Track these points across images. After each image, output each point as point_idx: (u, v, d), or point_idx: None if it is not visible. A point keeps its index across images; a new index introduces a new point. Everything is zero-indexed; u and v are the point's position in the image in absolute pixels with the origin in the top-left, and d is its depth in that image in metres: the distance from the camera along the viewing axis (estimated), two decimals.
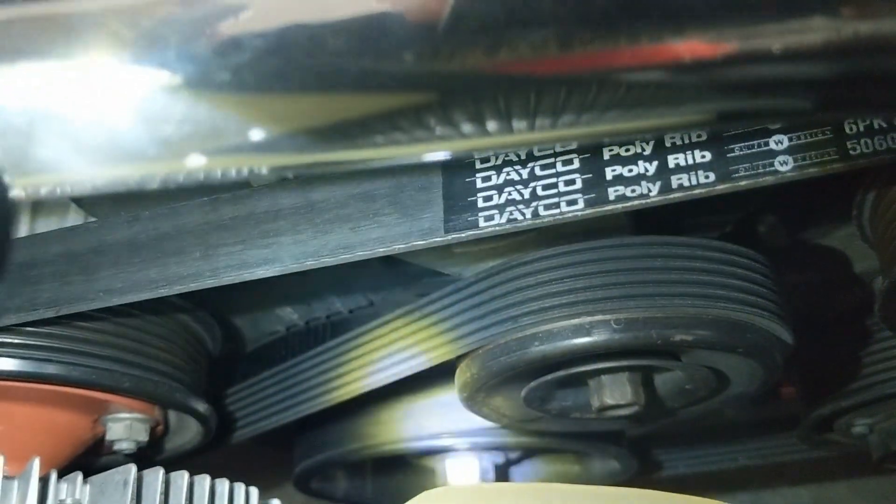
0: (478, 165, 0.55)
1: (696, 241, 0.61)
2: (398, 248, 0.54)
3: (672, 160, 0.52)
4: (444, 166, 0.55)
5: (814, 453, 0.92)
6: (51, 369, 0.62)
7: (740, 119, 0.46)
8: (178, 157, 0.37)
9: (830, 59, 0.35)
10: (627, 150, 0.53)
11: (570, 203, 0.53)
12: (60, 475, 0.56)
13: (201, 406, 0.72)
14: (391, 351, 0.68)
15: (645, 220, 0.63)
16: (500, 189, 0.54)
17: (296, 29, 0.34)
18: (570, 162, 0.53)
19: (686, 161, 0.52)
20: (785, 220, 0.73)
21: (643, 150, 0.52)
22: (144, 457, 0.73)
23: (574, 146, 0.53)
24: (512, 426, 0.76)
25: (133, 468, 0.55)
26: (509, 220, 0.53)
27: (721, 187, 0.51)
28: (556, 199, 0.53)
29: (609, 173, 0.53)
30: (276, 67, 0.34)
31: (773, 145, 0.51)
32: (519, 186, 0.54)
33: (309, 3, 0.34)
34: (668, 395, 0.70)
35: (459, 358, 0.66)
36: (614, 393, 0.64)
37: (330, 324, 0.83)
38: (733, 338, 0.60)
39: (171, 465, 0.58)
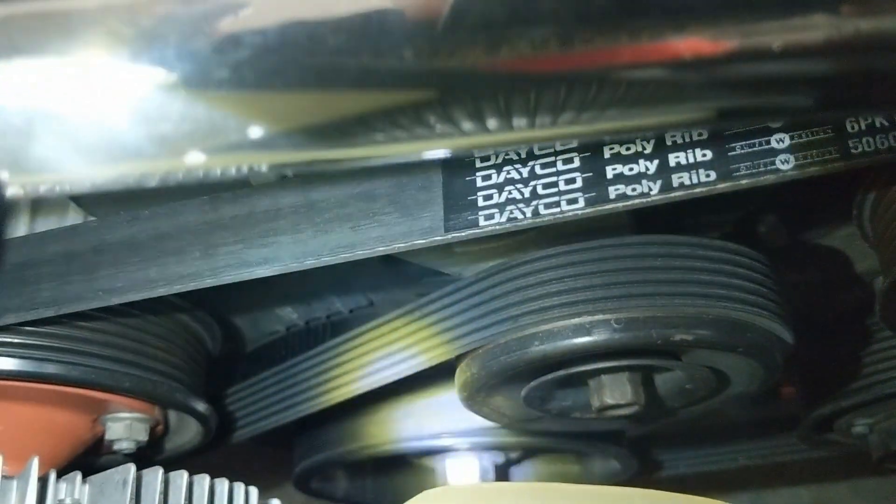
0: (478, 164, 0.55)
1: (697, 241, 0.61)
2: (398, 247, 0.54)
3: (673, 159, 0.52)
4: (444, 165, 0.55)
5: (814, 453, 0.92)
6: (50, 369, 0.62)
7: (741, 117, 0.46)
8: (177, 155, 0.37)
9: (831, 56, 0.35)
10: (628, 149, 0.53)
11: (571, 202, 0.53)
12: (60, 475, 0.56)
13: (201, 406, 0.71)
14: (390, 351, 0.68)
15: (645, 220, 0.63)
16: (500, 188, 0.54)
17: (295, 26, 0.34)
18: (571, 160, 0.53)
19: (687, 159, 0.52)
20: (785, 220, 0.73)
21: (644, 148, 0.52)
22: (144, 456, 0.73)
23: (574, 144, 0.53)
24: (512, 426, 0.76)
25: (132, 468, 0.55)
26: (509, 219, 0.53)
27: (722, 186, 0.51)
28: (556, 198, 0.53)
29: (610, 172, 0.53)
30: (276, 65, 0.34)
31: (774, 144, 0.51)
32: (519, 185, 0.54)
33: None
34: (668, 395, 0.70)
35: (459, 357, 0.66)
36: (614, 393, 0.64)
37: (330, 324, 0.83)
38: (733, 337, 0.60)
39: (170, 465, 0.58)
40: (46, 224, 0.68)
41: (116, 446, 0.69)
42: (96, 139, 0.37)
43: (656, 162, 0.52)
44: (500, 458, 0.88)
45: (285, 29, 0.34)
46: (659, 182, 0.52)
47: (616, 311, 0.59)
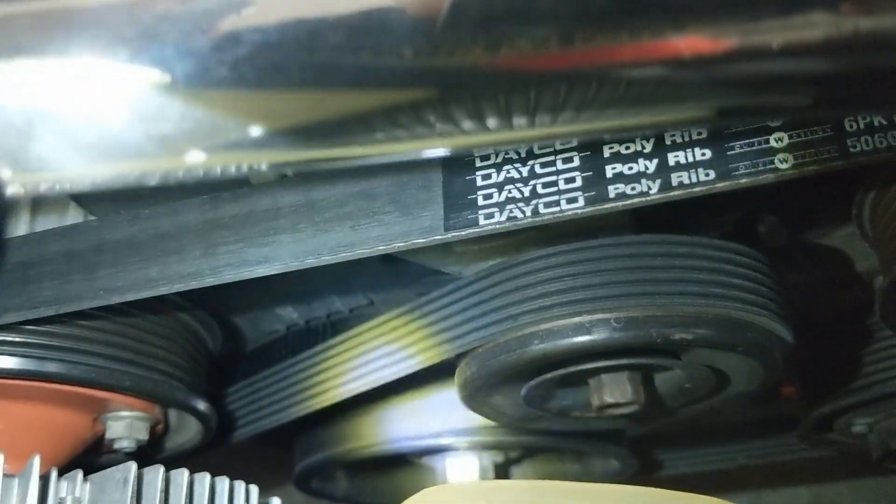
0: (478, 163, 0.55)
1: (696, 240, 0.61)
2: (398, 246, 0.54)
3: (672, 158, 0.52)
4: (444, 164, 0.55)
5: (814, 453, 0.92)
6: (51, 367, 0.62)
7: (740, 115, 0.46)
8: (177, 153, 0.37)
9: (831, 55, 0.35)
10: (628, 148, 0.53)
11: (571, 201, 0.53)
12: (61, 473, 0.56)
13: (201, 405, 0.72)
14: (390, 350, 0.68)
15: (645, 219, 0.63)
16: (500, 187, 0.54)
17: (295, 24, 0.34)
18: (571, 160, 0.54)
19: (686, 159, 0.52)
20: (785, 220, 0.73)
21: (643, 147, 0.52)
22: (145, 455, 0.73)
23: (574, 143, 0.53)
24: (512, 425, 0.76)
25: (133, 466, 0.55)
26: (509, 218, 0.53)
27: (721, 185, 0.51)
28: (556, 197, 0.53)
29: (609, 171, 0.53)
30: (276, 63, 0.34)
31: (773, 143, 0.51)
32: (519, 184, 0.54)
33: None
34: (668, 394, 0.70)
35: (460, 356, 0.66)
36: (614, 392, 0.64)
37: (330, 323, 0.83)
38: (733, 336, 0.60)
39: (171, 464, 0.58)
40: (47, 223, 0.68)
41: (117, 445, 0.70)
42: (96, 138, 0.37)
43: (656, 161, 0.52)
44: (499, 457, 0.88)
45: (285, 27, 0.34)
46: (658, 181, 0.52)
47: (616, 310, 0.59)
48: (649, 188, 0.52)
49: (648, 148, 0.52)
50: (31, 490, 0.53)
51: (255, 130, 0.36)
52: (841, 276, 0.75)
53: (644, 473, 0.95)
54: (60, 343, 0.63)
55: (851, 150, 0.49)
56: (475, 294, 0.63)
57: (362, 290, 0.80)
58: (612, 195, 0.52)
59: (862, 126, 0.50)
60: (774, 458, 0.97)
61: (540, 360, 0.61)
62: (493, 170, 0.55)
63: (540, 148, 0.54)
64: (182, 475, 0.57)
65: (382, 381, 0.68)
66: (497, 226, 0.54)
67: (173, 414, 0.74)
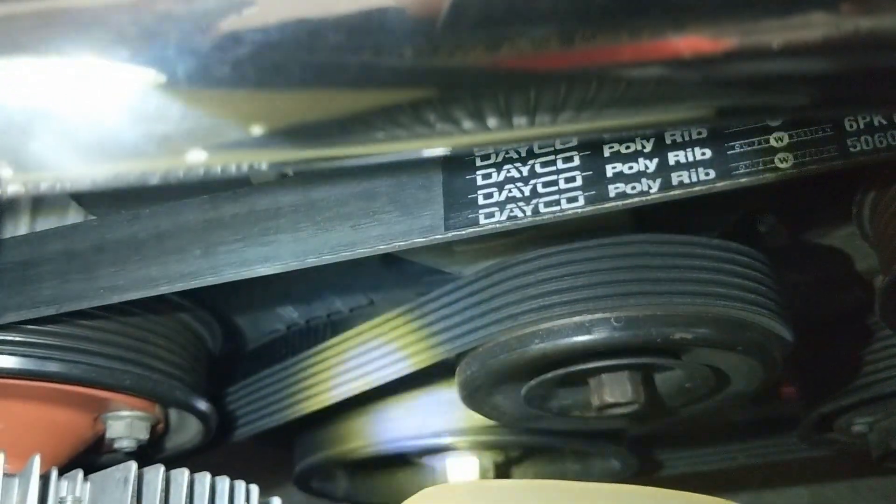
0: (478, 163, 0.55)
1: (696, 240, 0.61)
2: (399, 245, 0.54)
3: (672, 157, 0.52)
4: (444, 164, 0.55)
5: (814, 452, 0.92)
6: (51, 367, 0.62)
7: (740, 115, 0.46)
8: (178, 153, 0.37)
9: (830, 55, 0.35)
10: (628, 148, 0.53)
11: (571, 200, 0.53)
12: (61, 473, 0.56)
13: (202, 404, 0.72)
14: (390, 349, 0.68)
15: (645, 219, 0.63)
16: (500, 186, 0.54)
17: (296, 23, 0.34)
18: (571, 159, 0.54)
19: (686, 158, 0.52)
20: (785, 220, 0.73)
21: (643, 147, 0.53)
22: (145, 455, 0.73)
23: (574, 143, 0.53)
24: (512, 425, 0.76)
25: (133, 465, 0.55)
26: (510, 218, 0.53)
27: (721, 184, 0.51)
28: (556, 197, 0.53)
29: (609, 170, 0.53)
30: (276, 63, 0.34)
31: (773, 142, 0.51)
32: (519, 184, 0.54)
33: None
34: (668, 394, 0.70)
35: (460, 356, 0.66)
36: (614, 391, 0.64)
37: (330, 322, 0.83)
38: (733, 336, 0.60)
39: (171, 464, 0.58)
40: (47, 224, 0.68)
41: (117, 445, 0.70)
42: (97, 137, 0.37)
43: (656, 160, 0.52)
44: (499, 456, 0.88)
45: (286, 26, 0.34)
46: (658, 180, 0.52)
47: (616, 310, 0.59)
48: (649, 187, 0.52)
49: (648, 147, 0.53)
50: (32, 489, 0.53)
51: (256, 130, 0.36)
52: (841, 275, 0.75)
53: (644, 473, 0.95)
54: (61, 342, 0.63)
55: (851, 149, 0.50)
56: (475, 293, 0.63)
57: (362, 289, 0.80)
58: (612, 194, 0.52)
59: (862, 126, 0.50)
60: (774, 458, 0.97)
61: (540, 359, 0.61)
62: (494, 169, 0.55)
63: (540, 147, 0.54)
64: (182, 475, 0.57)
65: (382, 381, 0.68)
66: (497, 225, 0.54)
67: (174, 413, 0.74)
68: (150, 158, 0.38)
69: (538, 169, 0.54)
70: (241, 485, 0.60)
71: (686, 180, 0.51)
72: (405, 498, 0.57)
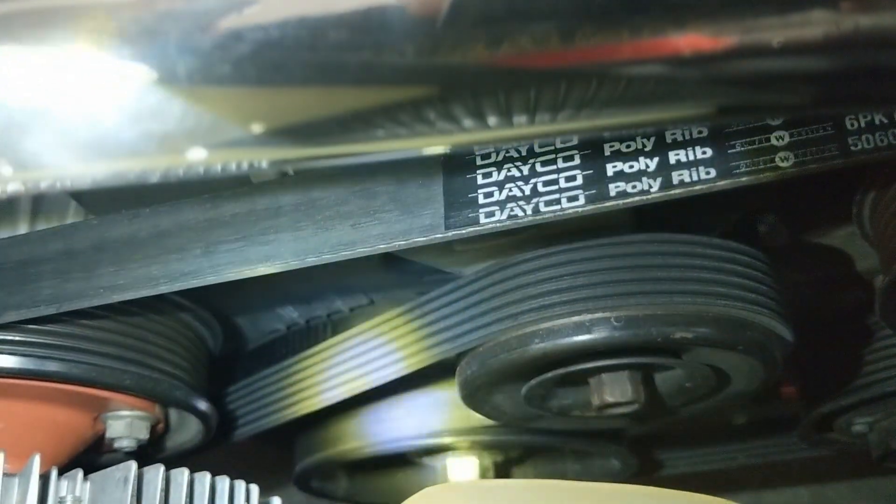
0: (478, 162, 0.55)
1: (697, 239, 0.61)
2: (399, 244, 0.54)
3: (673, 156, 0.52)
4: (444, 163, 0.55)
5: (814, 452, 0.92)
6: (51, 367, 0.62)
7: (741, 113, 0.46)
8: (178, 151, 0.37)
9: (830, 53, 0.35)
10: (628, 147, 0.53)
11: (571, 199, 0.53)
12: (61, 472, 0.56)
13: (202, 404, 0.72)
14: (390, 349, 0.68)
15: (647, 218, 0.63)
16: (500, 185, 0.54)
17: (296, 22, 0.34)
18: (571, 158, 0.54)
19: (687, 157, 0.52)
20: (785, 220, 0.73)
21: (644, 146, 0.53)
22: (145, 455, 0.73)
23: (575, 142, 0.53)
24: (512, 424, 0.76)
25: (133, 465, 0.55)
26: (510, 217, 0.53)
27: (722, 183, 0.51)
28: (556, 196, 0.53)
29: (610, 169, 0.53)
30: (277, 61, 0.34)
31: (774, 141, 0.51)
32: (520, 183, 0.54)
33: None
34: (668, 394, 0.70)
35: (460, 356, 0.66)
36: (614, 391, 0.64)
37: (330, 322, 0.83)
38: (733, 335, 0.60)
39: (171, 464, 0.58)
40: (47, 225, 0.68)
41: (117, 444, 0.70)
42: (97, 135, 0.37)
43: (656, 159, 0.52)
44: (499, 456, 0.88)
45: (286, 24, 0.34)
46: (659, 179, 0.52)
47: (616, 309, 0.59)
48: (650, 186, 0.52)
49: (649, 146, 0.53)
50: (32, 489, 0.53)
51: (256, 128, 0.36)
52: (841, 275, 0.75)
53: (644, 473, 0.95)
54: (61, 342, 0.63)
55: (852, 148, 0.50)
56: (475, 293, 0.63)
57: (363, 289, 0.80)
58: (612, 193, 0.52)
59: (863, 124, 0.50)
60: (774, 458, 0.97)
61: (540, 359, 0.61)
62: (494, 168, 0.55)
63: (541, 146, 0.54)
64: (182, 474, 0.57)
65: (382, 381, 0.68)
66: (498, 224, 0.54)
67: (174, 413, 0.74)
68: (150, 157, 0.37)
69: (539, 168, 0.54)
70: (241, 485, 0.60)
71: (687, 179, 0.51)
72: (405, 498, 0.57)
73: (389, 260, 0.71)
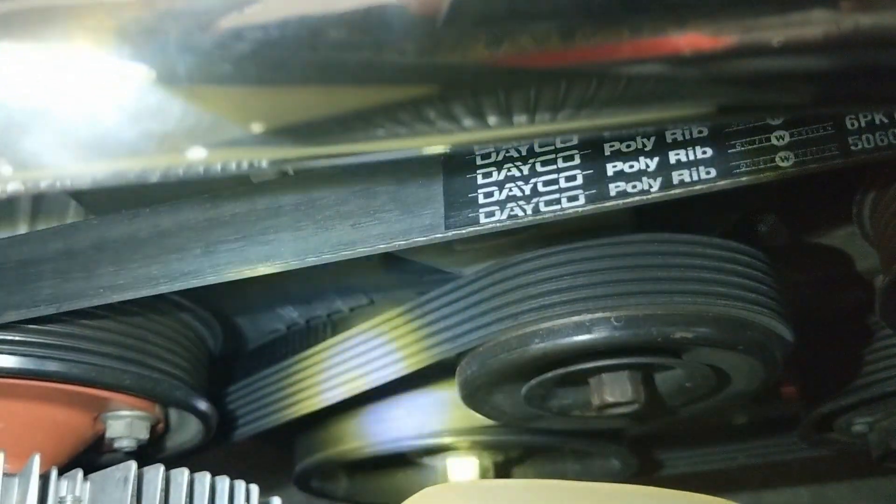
0: (478, 161, 0.55)
1: (697, 239, 0.61)
2: (399, 244, 0.54)
3: (673, 156, 0.52)
4: (444, 163, 0.55)
5: (814, 452, 0.93)
6: (51, 366, 0.62)
7: (741, 112, 0.46)
8: (178, 150, 0.37)
9: (831, 52, 0.35)
10: (628, 146, 0.53)
11: (572, 199, 0.53)
12: (61, 472, 0.56)
13: (202, 404, 0.71)
14: (390, 349, 0.68)
15: (646, 218, 0.63)
16: (500, 185, 0.54)
17: (297, 21, 0.34)
18: (571, 158, 0.54)
19: (687, 157, 0.52)
20: (786, 219, 0.73)
21: (644, 146, 0.52)
22: (145, 455, 0.73)
23: (575, 142, 0.53)
24: (512, 424, 0.76)
25: (133, 465, 0.55)
26: (510, 217, 0.53)
27: (722, 183, 0.51)
28: (557, 196, 0.53)
29: (610, 169, 0.53)
30: (277, 60, 0.34)
31: (774, 141, 0.51)
32: (520, 183, 0.54)
33: None
34: (668, 393, 0.70)
35: (460, 356, 0.66)
36: (614, 391, 0.64)
37: (331, 322, 0.83)
38: (734, 335, 0.60)
39: (171, 463, 0.58)
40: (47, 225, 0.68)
41: (117, 444, 0.70)
42: (97, 134, 0.37)
43: (657, 159, 0.52)
44: (499, 456, 0.88)
45: (287, 23, 0.34)
46: (659, 179, 0.52)
47: (616, 309, 0.59)
48: (650, 186, 0.52)
49: (649, 146, 0.52)
50: (31, 489, 0.53)
51: (257, 127, 0.36)
52: (841, 275, 0.75)
53: (644, 473, 0.95)
54: (61, 342, 0.63)
55: (853, 148, 0.49)
56: (475, 293, 0.63)
57: (363, 289, 0.80)
58: (612, 193, 0.52)
59: (863, 124, 0.50)
60: (774, 458, 0.97)
61: (540, 358, 0.61)
62: (494, 168, 0.54)
63: (541, 146, 0.54)
64: (182, 474, 0.57)
65: (383, 381, 0.68)
66: (498, 224, 0.54)
67: (174, 413, 0.74)
68: (150, 156, 0.37)
69: (539, 168, 0.54)
70: (241, 485, 0.60)
71: (687, 179, 0.51)
72: (405, 498, 0.57)
73: (389, 260, 0.71)
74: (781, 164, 0.50)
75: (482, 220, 0.54)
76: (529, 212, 0.53)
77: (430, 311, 0.66)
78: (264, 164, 0.39)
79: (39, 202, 0.69)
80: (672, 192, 0.52)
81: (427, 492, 0.58)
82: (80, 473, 0.56)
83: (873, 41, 0.35)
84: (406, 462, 0.92)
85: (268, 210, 0.57)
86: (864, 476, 1.06)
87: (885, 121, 0.49)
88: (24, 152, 0.37)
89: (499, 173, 0.54)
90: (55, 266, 0.60)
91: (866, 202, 0.62)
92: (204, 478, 0.58)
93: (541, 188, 0.53)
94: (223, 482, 0.59)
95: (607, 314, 0.59)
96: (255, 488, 0.60)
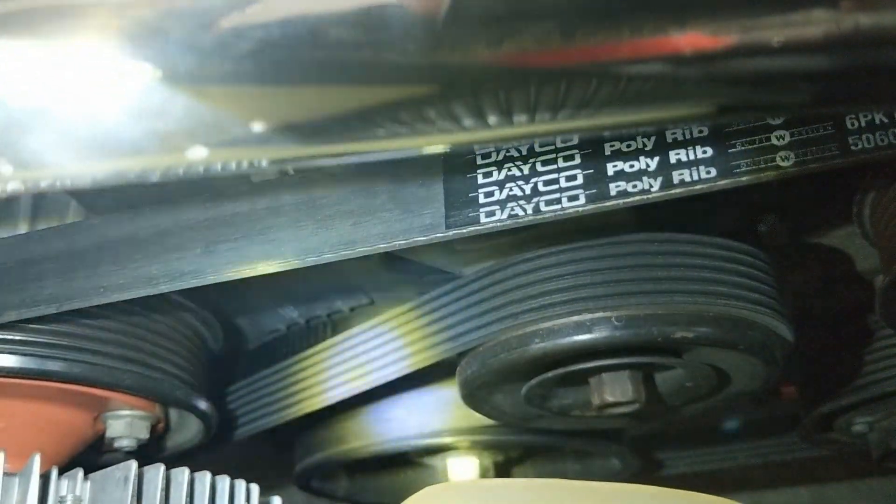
0: (479, 161, 0.55)
1: (697, 238, 0.61)
2: (399, 243, 0.54)
3: (673, 156, 0.52)
4: (445, 162, 0.55)
5: (814, 452, 0.93)
6: (52, 366, 0.62)
7: (741, 112, 0.46)
8: (179, 150, 0.37)
9: (831, 51, 0.35)
10: (629, 146, 0.53)
11: (572, 199, 0.53)
12: (61, 472, 0.56)
13: (202, 404, 0.71)
14: (391, 348, 0.68)
15: (647, 217, 0.63)
16: (501, 185, 0.54)
17: (297, 20, 0.34)
18: (572, 158, 0.54)
19: (687, 156, 0.52)
20: (786, 219, 0.73)
21: (644, 145, 0.52)
22: (145, 454, 0.73)
23: (575, 141, 0.53)
24: (512, 424, 0.76)
25: (134, 464, 0.55)
26: (510, 216, 0.53)
27: (723, 183, 0.51)
28: (557, 195, 0.53)
29: (610, 169, 0.53)
30: (278, 59, 0.34)
31: (774, 141, 0.51)
32: (520, 182, 0.54)
33: None
34: (668, 393, 0.70)
35: (461, 355, 0.66)
36: (615, 390, 0.64)
37: (331, 322, 0.83)
38: (734, 335, 0.60)
39: (172, 463, 0.58)
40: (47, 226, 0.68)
41: (117, 444, 0.70)
42: (97, 134, 0.37)
43: (657, 159, 0.52)
44: (500, 456, 0.88)
45: (287, 23, 0.34)
46: (660, 179, 0.52)
47: (617, 309, 0.59)
48: (651, 186, 0.52)
49: (650, 145, 0.52)
50: (32, 488, 0.53)
51: (257, 126, 0.36)
52: (841, 274, 0.75)
53: (644, 473, 0.95)
54: (61, 341, 0.63)
55: (853, 147, 0.49)
56: (476, 292, 0.63)
57: (363, 288, 0.80)
58: (613, 193, 0.52)
59: (863, 123, 0.50)
60: (774, 458, 0.97)
61: (541, 358, 0.61)
62: (495, 167, 0.54)
63: (541, 146, 0.54)
64: (183, 474, 0.57)
65: (383, 380, 0.68)
66: (498, 223, 0.54)
67: (174, 413, 0.74)
68: (150, 155, 0.38)
69: (539, 167, 0.54)
70: (241, 484, 0.60)
71: (687, 178, 0.51)
72: (405, 498, 0.57)
73: (390, 259, 0.71)
74: (782, 163, 0.50)
75: (483, 219, 0.54)
76: (530, 211, 0.53)
77: (430, 310, 0.66)
78: (265, 163, 0.39)
79: (40, 202, 0.69)
80: (672, 191, 0.52)
81: (427, 491, 0.57)
82: (80, 473, 0.56)
83: (873, 41, 0.35)
84: (406, 462, 0.92)
85: (268, 209, 0.57)
86: (864, 476, 1.06)
87: (885, 120, 0.49)
88: (24, 151, 0.37)
89: (499, 173, 0.54)
90: (56, 265, 0.60)
91: (866, 202, 0.62)
92: (204, 477, 0.58)
93: (541, 188, 0.53)
94: (223, 482, 0.59)
95: (608, 314, 0.59)
96: (255, 488, 0.60)
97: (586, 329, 0.59)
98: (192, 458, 0.76)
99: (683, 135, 0.52)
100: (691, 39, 0.35)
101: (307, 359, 0.75)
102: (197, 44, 0.34)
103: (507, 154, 0.55)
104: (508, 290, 0.61)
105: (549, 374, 0.64)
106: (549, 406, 0.70)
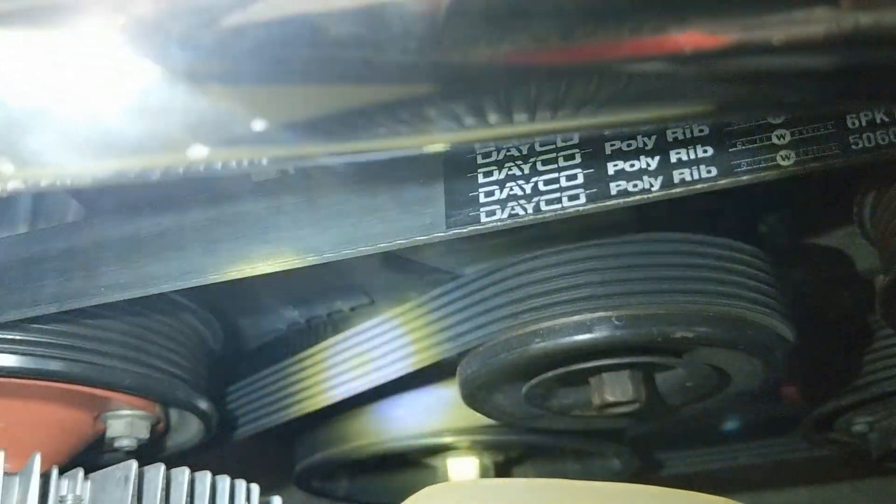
0: (479, 160, 0.55)
1: (698, 238, 0.61)
2: (400, 243, 0.54)
3: (674, 155, 0.52)
4: (445, 161, 0.55)
5: (814, 452, 0.93)
6: (52, 366, 0.62)
7: (741, 111, 0.46)
8: (179, 149, 0.37)
9: (831, 50, 0.35)
10: (629, 145, 0.53)
11: (572, 198, 0.53)
12: (61, 472, 0.56)
13: (202, 403, 0.71)
14: (392, 348, 0.68)
15: (648, 217, 0.63)
16: (501, 184, 0.54)
17: (298, 18, 0.34)
18: (572, 157, 0.54)
19: (688, 156, 0.52)
20: (786, 218, 0.73)
21: (645, 144, 0.52)
22: (145, 454, 0.73)
23: (576, 141, 0.53)
24: (512, 424, 0.76)
25: (134, 464, 0.55)
26: (511, 216, 0.53)
27: (723, 182, 0.51)
28: (557, 195, 0.53)
29: (611, 168, 0.53)
30: (279, 57, 0.34)
31: (774, 140, 0.51)
32: (521, 182, 0.54)
33: None
34: (669, 393, 0.70)
35: (461, 355, 0.66)
36: (615, 390, 0.64)
37: (331, 322, 0.83)
38: (734, 334, 0.61)
39: (172, 463, 0.58)
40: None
41: (118, 444, 0.70)
42: (98, 133, 0.37)
43: (657, 158, 0.52)
44: (500, 456, 0.88)
45: (288, 21, 0.34)
46: (660, 178, 0.52)
47: (617, 309, 0.59)
48: (651, 185, 0.52)
49: (650, 145, 0.52)
50: (32, 488, 0.53)
51: (258, 125, 0.36)
52: (841, 274, 0.75)
53: (645, 473, 0.95)
54: (62, 341, 0.63)
55: (853, 146, 0.49)
56: (476, 292, 0.63)
57: (363, 288, 0.80)
58: (613, 192, 0.52)
59: (864, 123, 0.50)
60: (774, 458, 0.97)
61: (541, 358, 0.61)
62: (495, 167, 0.54)
63: (542, 145, 0.54)
64: (183, 474, 0.57)
65: (383, 380, 0.68)
66: (499, 223, 0.53)
67: (174, 412, 0.74)
68: (151, 154, 0.38)
69: (539, 166, 0.54)
70: (241, 484, 0.60)
71: (688, 178, 0.51)
72: (405, 497, 0.57)
73: (390, 259, 0.71)
74: (782, 162, 0.50)
75: (483, 218, 0.54)
76: (530, 211, 0.53)
77: (430, 310, 0.66)
78: (265, 162, 0.39)
79: (40, 202, 0.69)
80: (673, 190, 0.52)
81: (427, 491, 0.57)
82: (80, 472, 0.56)
83: (874, 39, 0.35)
84: (406, 462, 0.92)
85: (269, 209, 0.57)
86: (864, 476, 1.06)
87: (886, 119, 0.49)
88: (25, 150, 0.37)
89: (500, 172, 0.54)
90: (57, 265, 0.60)
91: (866, 202, 0.62)
92: (205, 477, 0.58)
93: (542, 187, 0.53)
94: (224, 481, 0.59)
95: (608, 313, 0.59)
96: (255, 488, 0.60)
97: (587, 329, 0.59)
98: (193, 457, 0.77)
99: (684, 134, 0.52)
100: (692, 38, 0.35)
101: (307, 359, 0.75)
102: (198, 42, 0.34)
103: (508, 153, 0.55)
104: (509, 290, 0.61)
105: (550, 374, 0.64)
106: (550, 406, 0.70)
